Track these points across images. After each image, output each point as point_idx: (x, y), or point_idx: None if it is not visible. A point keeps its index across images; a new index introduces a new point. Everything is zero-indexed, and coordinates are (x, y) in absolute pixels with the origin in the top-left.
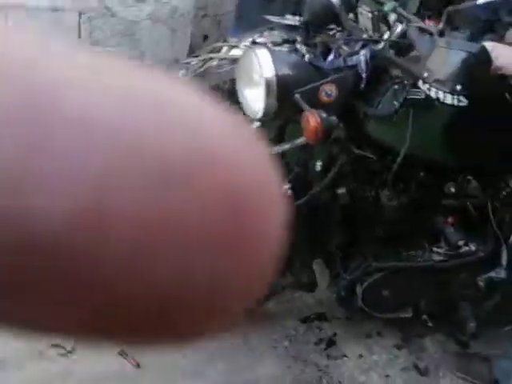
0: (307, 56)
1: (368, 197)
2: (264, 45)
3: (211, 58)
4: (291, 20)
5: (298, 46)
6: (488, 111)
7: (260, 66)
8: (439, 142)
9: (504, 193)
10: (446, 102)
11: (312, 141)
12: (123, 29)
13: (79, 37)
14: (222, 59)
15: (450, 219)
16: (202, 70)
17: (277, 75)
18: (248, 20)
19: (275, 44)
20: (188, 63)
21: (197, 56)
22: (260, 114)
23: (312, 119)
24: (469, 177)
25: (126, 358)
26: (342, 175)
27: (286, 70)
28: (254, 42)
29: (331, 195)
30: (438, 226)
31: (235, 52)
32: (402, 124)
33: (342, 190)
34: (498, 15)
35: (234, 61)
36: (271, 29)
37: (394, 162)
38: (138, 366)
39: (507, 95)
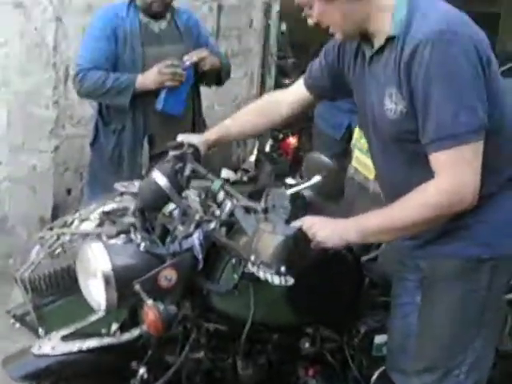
0: (143, 244)
1: (227, 365)
2: (99, 238)
3: (63, 233)
4: (137, 187)
5: (133, 235)
6: (315, 276)
7: (96, 260)
8: (280, 307)
9: (357, 339)
10: (274, 282)
11: (154, 334)
12: None
13: None
14: (73, 234)
15: (311, 371)
16: (56, 244)
17: (114, 269)
18: (101, 182)
19: (109, 236)
20: (42, 238)
21: (51, 229)
22: (103, 307)
23: (150, 314)
24: (321, 327)
25: None
26: (199, 345)
27: (122, 262)
28: (104, 213)
29: (193, 364)
30: (301, 380)
31: (86, 225)
32: (244, 295)
33: (201, 355)
34: None
35: (85, 235)
36: (122, 194)
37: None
38: None
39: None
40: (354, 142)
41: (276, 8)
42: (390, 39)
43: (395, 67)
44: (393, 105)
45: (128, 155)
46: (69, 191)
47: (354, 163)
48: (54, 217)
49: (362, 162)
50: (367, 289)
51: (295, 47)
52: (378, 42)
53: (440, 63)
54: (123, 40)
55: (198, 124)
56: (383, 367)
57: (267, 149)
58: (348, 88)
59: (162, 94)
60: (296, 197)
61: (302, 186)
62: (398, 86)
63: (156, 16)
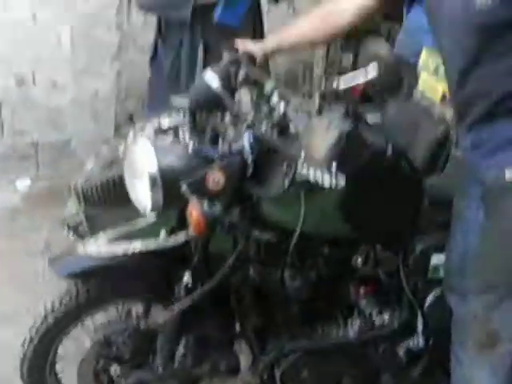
0: (191, 145)
1: (275, 278)
2: (147, 137)
3: (118, 145)
4: None
5: (182, 134)
6: (371, 185)
7: (143, 160)
8: (334, 219)
9: (413, 257)
10: (324, 183)
11: (197, 234)
12: (46, 116)
13: (2, 128)
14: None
15: (362, 290)
16: (110, 158)
17: (160, 169)
18: (160, 100)
19: (159, 132)
20: (99, 151)
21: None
22: (149, 208)
23: (195, 213)
24: (376, 245)
25: None
26: (246, 258)
27: (169, 162)
28: (160, 125)
29: (241, 277)
30: (351, 299)
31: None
32: (294, 203)
33: (250, 271)
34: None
35: None
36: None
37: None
38: None
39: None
40: (420, 63)
41: None
42: None
43: None
44: None
45: (186, 70)
46: (131, 117)
47: (420, 86)
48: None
49: (429, 85)
50: (427, 207)
51: None
52: None
53: None
54: None
55: (259, 37)
56: (439, 290)
57: (334, 86)
58: None
59: (220, 5)
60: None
61: (360, 79)
62: None
63: None
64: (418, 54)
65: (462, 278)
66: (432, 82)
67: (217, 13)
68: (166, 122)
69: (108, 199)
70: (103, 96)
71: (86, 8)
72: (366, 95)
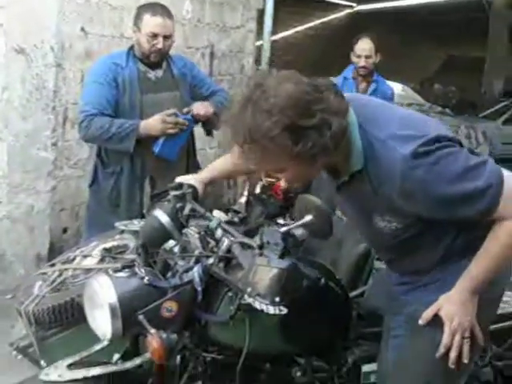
0: (146, 278)
1: None
2: (105, 272)
3: (66, 269)
4: (138, 225)
5: (137, 269)
6: (306, 308)
7: (102, 292)
8: (275, 337)
9: (345, 368)
10: (269, 312)
11: (157, 361)
12: None
13: None
14: (75, 269)
15: None
16: (59, 281)
17: (119, 300)
18: (99, 223)
19: (114, 270)
20: (44, 273)
21: (53, 265)
22: (109, 336)
23: (154, 342)
24: (313, 357)
25: None
26: (197, 375)
27: (127, 294)
28: (105, 249)
29: None
30: None
31: (88, 262)
32: (239, 326)
33: None
34: None
35: (88, 270)
36: (121, 232)
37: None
38: None
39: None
40: None
41: (266, 54)
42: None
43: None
44: (385, 223)
45: (125, 196)
46: (65, 230)
47: None
48: (51, 254)
49: None
50: (355, 321)
51: None
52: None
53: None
54: (122, 87)
55: (192, 166)
56: None
57: (258, 190)
58: None
59: (161, 140)
60: (287, 235)
61: (294, 225)
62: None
63: (153, 65)
64: None
65: None
66: None
67: (157, 146)
68: (110, 244)
69: (60, 322)
70: (38, 210)
71: (24, 128)
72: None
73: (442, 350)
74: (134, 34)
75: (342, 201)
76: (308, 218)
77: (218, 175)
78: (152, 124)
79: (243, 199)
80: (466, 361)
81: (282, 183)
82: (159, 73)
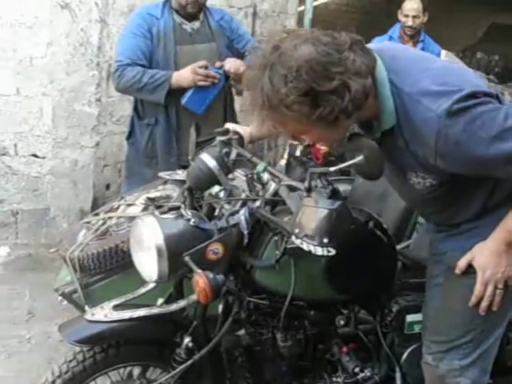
0: (192, 220)
1: (266, 338)
2: (151, 213)
3: (109, 218)
4: (181, 175)
5: (183, 211)
6: (353, 253)
7: (149, 233)
8: (320, 283)
9: (389, 318)
10: (317, 253)
11: (203, 301)
12: (26, 185)
13: None
14: (119, 218)
15: (344, 348)
16: (103, 228)
17: (165, 241)
18: (137, 176)
19: (162, 212)
20: (88, 222)
21: (97, 214)
22: (155, 278)
23: (201, 281)
24: (356, 307)
25: None
26: (240, 320)
27: (173, 235)
28: (149, 199)
29: (233, 339)
30: (335, 356)
31: (132, 210)
32: (285, 271)
33: (241, 332)
34: None
35: (132, 219)
36: (165, 183)
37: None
38: None
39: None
40: None
41: (309, 16)
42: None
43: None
44: (420, 179)
45: (161, 149)
46: (107, 186)
47: None
48: (93, 210)
49: None
50: (400, 271)
51: None
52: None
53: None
54: (157, 38)
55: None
56: (414, 345)
57: (298, 153)
58: None
59: (190, 91)
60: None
61: (345, 164)
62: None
63: (189, 17)
64: None
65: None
66: None
67: (185, 97)
68: (154, 194)
69: (104, 268)
70: (82, 166)
71: (68, 84)
72: (329, 162)
73: (473, 299)
74: None
75: None
76: (359, 157)
77: (260, 133)
78: (183, 74)
79: (283, 161)
80: (495, 309)
81: (323, 146)
82: (196, 24)
